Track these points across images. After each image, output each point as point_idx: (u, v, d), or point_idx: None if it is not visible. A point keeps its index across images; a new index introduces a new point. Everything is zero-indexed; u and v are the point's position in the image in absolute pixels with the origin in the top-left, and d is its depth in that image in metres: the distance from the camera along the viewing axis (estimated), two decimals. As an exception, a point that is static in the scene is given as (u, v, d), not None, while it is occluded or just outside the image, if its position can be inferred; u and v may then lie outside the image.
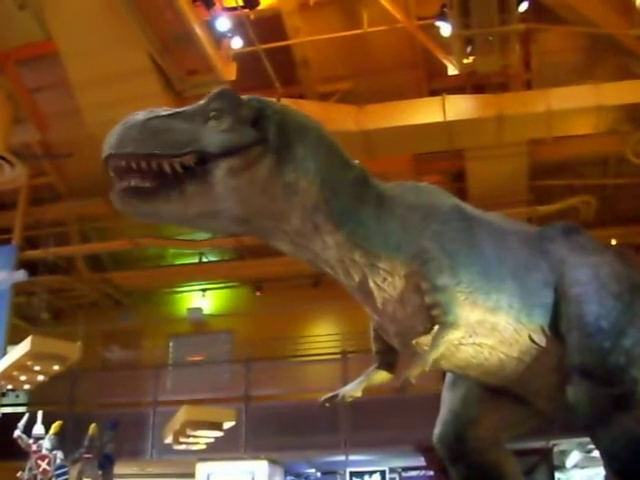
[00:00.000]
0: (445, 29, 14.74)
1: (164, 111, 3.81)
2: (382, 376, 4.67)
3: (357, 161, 4.25)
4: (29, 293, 20.86)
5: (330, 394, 4.65)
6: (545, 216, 17.35)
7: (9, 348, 16.24)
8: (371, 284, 4.16)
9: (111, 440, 14.63)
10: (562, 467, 18.13)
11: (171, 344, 23.22)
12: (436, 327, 4.08)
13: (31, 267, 18.81)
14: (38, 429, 14.06)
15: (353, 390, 4.60)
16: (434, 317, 4.09)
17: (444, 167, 19.45)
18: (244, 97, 3.92)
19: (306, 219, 3.93)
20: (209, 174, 3.66)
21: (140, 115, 3.70)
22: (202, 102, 3.85)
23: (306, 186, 3.86)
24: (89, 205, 19.91)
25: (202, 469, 18.00)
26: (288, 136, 3.85)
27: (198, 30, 14.33)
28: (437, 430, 5.15)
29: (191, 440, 15.34)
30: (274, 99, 4.26)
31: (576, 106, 15.38)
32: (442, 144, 16.54)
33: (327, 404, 4.65)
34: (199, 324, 23.02)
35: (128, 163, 3.59)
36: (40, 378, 14.69)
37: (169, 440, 15.43)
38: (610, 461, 4.46)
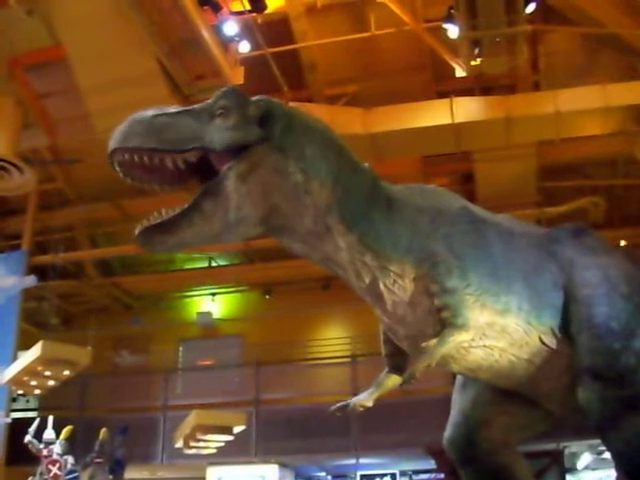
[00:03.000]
0: (452, 31, 14.72)
1: (172, 108, 3.85)
2: (394, 380, 4.66)
3: (366, 164, 4.26)
4: (39, 298, 20.89)
5: (341, 403, 4.67)
6: (554, 217, 17.32)
7: (19, 353, 16.29)
8: (381, 286, 4.16)
9: (122, 445, 14.68)
10: (573, 469, 18.10)
11: (181, 348, 23.25)
12: (445, 329, 4.09)
13: (41, 272, 18.85)
14: (49, 434, 14.08)
15: (364, 400, 4.61)
16: (443, 320, 4.09)
17: (452, 169, 19.43)
18: (254, 97, 3.95)
19: (318, 220, 3.94)
20: (221, 186, 3.70)
21: (148, 112, 3.74)
22: (210, 100, 3.88)
23: (317, 187, 3.87)
24: (98, 210, 19.99)
25: (213, 473, 18.02)
26: (295, 136, 3.87)
27: (206, 34, 14.34)
28: (448, 433, 5.15)
29: (201, 444, 15.34)
30: (282, 101, 4.26)
31: (584, 107, 15.34)
32: (450, 146, 16.51)
33: (338, 413, 4.66)
34: (209, 328, 23.01)
35: (132, 157, 3.63)
36: (51, 383, 14.73)
37: (179, 444, 15.43)
38: (621, 463, 4.45)
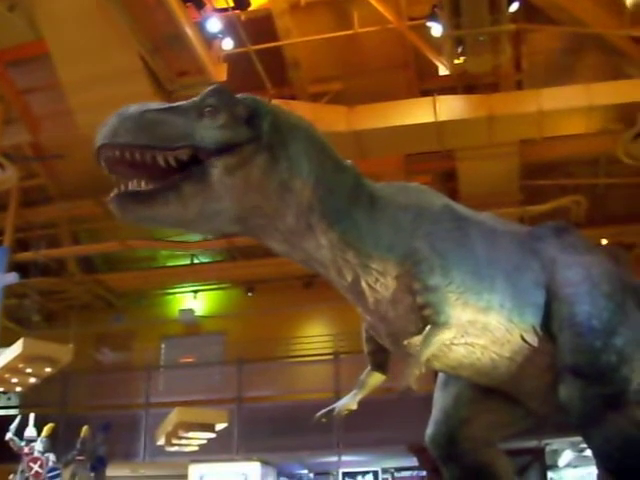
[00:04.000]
0: (436, 29, 14.77)
1: (157, 105, 3.79)
2: (376, 378, 4.68)
3: (349, 161, 4.25)
4: (20, 295, 20.78)
5: (326, 409, 4.69)
6: (536, 216, 17.35)
7: (0, 350, 16.19)
8: (363, 284, 4.16)
9: (103, 442, 14.61)
10: (555, 466, 18.15)
11: (163, 346, 23.16)
12: (428, 327, 4.09)
13: (22, 269, 18.74)
14: (30, 431, 14.02)
15: (348, 403, 4.62)
16: (426, 317, 4.09)
17: (435, 167, 19.42)
18: (239, 96, 3.91)
19: (300, 218, 3.91)
20: (205, 174, 3.64)
21: (133, 108, 3.66)
22: (197, 98, 3.82)
23: (300, 185, 3.85)
24: (80, 206, 19.87)
25: (194, 471, 17.97)
26: (281, 135, 3.84)
27: (189, 31, 14.32)
28: (429, 430, 5.16)
29: (183, 442, 15.33)
30: (266, 100, 4.24)
31: (567, 106, 15.38)
32: (433, 144, 16.53)
33: (324, 419, 4.68)
34: (191, 325, 22.96)
35: (122, 154, 3.54)
36: (32, 380, 14.69)
37: (161, 442, 15.42)
38: (602, 460, 4.47)
